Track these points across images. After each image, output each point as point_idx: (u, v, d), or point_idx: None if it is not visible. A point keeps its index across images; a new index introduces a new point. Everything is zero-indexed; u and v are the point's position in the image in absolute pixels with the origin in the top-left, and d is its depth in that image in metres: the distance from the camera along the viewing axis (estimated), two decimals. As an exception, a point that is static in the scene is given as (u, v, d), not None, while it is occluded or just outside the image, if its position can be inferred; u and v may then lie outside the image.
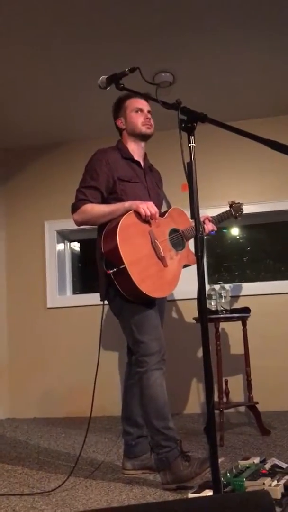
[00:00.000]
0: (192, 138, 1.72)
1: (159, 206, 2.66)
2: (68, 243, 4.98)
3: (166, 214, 2.62)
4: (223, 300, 3.57)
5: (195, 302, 1.66)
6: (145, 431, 2.57)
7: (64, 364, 4.47)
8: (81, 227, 2.60)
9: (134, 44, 3.31)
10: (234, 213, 2.97)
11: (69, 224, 4.77)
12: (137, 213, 2.42)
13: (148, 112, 2.63)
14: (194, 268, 2.23)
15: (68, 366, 4.44)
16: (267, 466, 2.16)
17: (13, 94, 3.85)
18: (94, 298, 4.50)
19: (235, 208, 2.99)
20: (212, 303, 3.60)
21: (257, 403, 3.33)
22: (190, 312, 4.19)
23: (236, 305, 4.01)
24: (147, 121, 2.62)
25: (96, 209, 2.48)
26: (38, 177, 4.81)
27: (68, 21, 3.06)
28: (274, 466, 2.17)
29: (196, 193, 1.69)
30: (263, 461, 2.26)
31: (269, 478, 1.97)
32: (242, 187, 4.37)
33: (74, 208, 2.53)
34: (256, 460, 2.26)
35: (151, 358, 2.36)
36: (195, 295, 1.64)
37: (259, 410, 3.32)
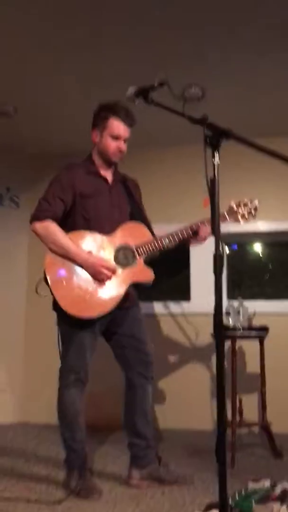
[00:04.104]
0: (216, 154, 1.70)
1: (125, 219, 2.64)
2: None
3: (117, 231, 2.56)
4: (241, 318, 3.53)
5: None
6: (151, 442, 2.62)
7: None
8: None
9: (165, 57, 3.32)
10: (228, 217, 2.63)
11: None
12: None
13: (125, 140, 2.60)
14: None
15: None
16: (277, 490, 2.12)
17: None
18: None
19: (230, 211, 2.66)
20: (230, 320, 3.56)
21: (270, 423, 3.27)
22: (209, 328, 4.14)
23: (256, 323, 3.96)
24: (118, 151, 2.59)
25: (58, 235, 2.48)
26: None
27: (99, 32, 3.07)
28: (285, 491, 2.12)
29: (218, 210, 1.67)
30: (274, 485, 2.22)
31: (279, 503, 1.94)
32: (264, 205, 4.30)
33: (38, 218, 2.50)
34: (267, 483, 2.22)
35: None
36: (213, 310, 1.63)
37: (272, 432, 3.26)
